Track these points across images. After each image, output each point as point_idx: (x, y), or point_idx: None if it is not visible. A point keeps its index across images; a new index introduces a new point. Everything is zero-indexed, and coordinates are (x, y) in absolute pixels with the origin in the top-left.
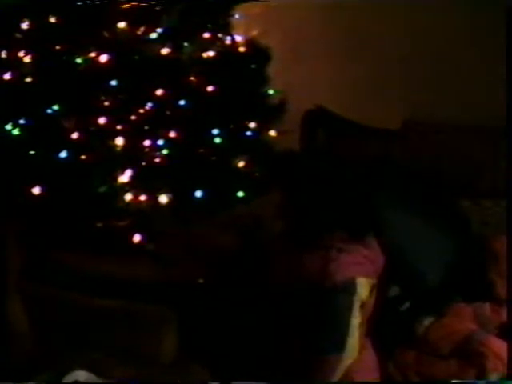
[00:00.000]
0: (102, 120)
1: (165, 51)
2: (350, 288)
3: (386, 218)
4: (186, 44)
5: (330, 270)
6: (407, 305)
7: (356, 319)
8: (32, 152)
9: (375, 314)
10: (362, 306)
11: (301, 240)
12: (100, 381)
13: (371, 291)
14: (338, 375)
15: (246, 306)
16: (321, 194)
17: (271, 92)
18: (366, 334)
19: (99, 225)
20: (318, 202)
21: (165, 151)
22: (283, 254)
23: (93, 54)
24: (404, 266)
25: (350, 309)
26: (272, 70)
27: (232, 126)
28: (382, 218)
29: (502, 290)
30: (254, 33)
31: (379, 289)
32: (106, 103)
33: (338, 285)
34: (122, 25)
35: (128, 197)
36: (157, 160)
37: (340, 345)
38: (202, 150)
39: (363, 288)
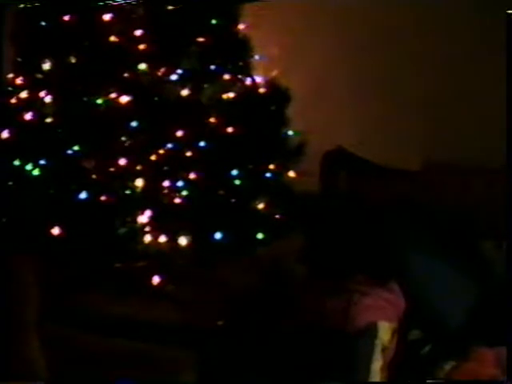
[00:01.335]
0: (122, 161)
1: (185, 92)
2: (371, 332)
3: (407, 262)
4: (206, 85)
5: (353, 313)
6: (427, 349)
7: (377, 363)
8: (52, 192)
9: (396, 358)
10: (384, 350)
11: (323, 283)
12: None
13: (392, 335)
14: None
15: (266, 348)
16: (343, 238)
17: (291, 133)
18: (388, 378)
19: (118, 266)
20: (341, 245)
21: (184, 192)
22: (305, 296)
23: (113, 95)
24: (426, 310)
25: (371, 353)
26: (292, 111)
27: (252, 168)
28: (404, 262)
29: None
30: (274, 74)
31: (400, 333)
32: (126, 144)
33: (360, 328)
34: (142, 66)
35: (147, 238)
36: (176, 201)
37: None
38: (221, 192)
39: (385, 332)
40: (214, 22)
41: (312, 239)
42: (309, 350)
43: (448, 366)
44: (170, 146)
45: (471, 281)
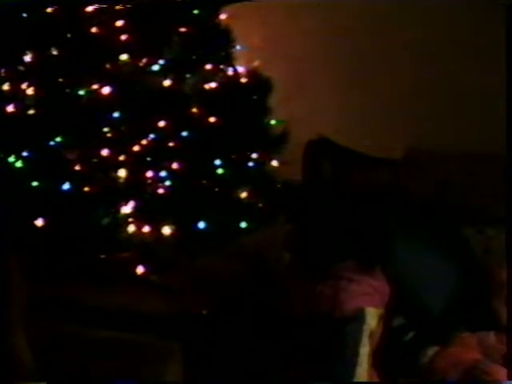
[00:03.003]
0: (104, 152)
1: (167, 83)
2: (359, 317)
3: (391, 249)
4: (188, 75)
5: (340, 299)
6: (411, 335)
7: (365, 348)
8: (35, 184)
9: (380, 344)
10: (371, 335)
11: (310, 271)
12: None
13: (379, 321)
14: None
15: (251, 336)
16: (331, 226)
17: (273, 122)
18: (372, 364)
19: (102, 256)
20: (329, 233)
21: (167, 182)
22: (293, 284)
23: (95, 86)
24: (409, 297)
25: (359, 338)
26: (274, 100)
27: (234, 157)
28: (388, 249)
29: (506, 318)
30: (256, 63)
31: (385, 319)
32: (109, 135)
33: (348, 314)
34: (123, 57)
35: (131, 228)
36: (160, 191)
37: (349, 374)
38: (204, 181)
39: (372, 317)
40: (195, 12)
41: (298, 227)
42: (296, 336)
43: (431, 352)
44: (152, 136)
45: (453, 267)
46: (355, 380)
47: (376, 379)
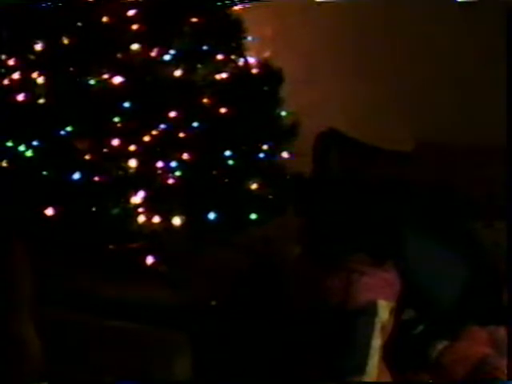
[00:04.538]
0: (115, 142)
1: (178, 73)
2: (371, 310)
3: (401, 242)
4: (199, 66)
5: (352, 292)
6: (421, 328)
7: (377, 341)
8: (45, 173)
9: (391, 337)
10: (382, 328)
11: (322, 263)
12: None
13: (390, 314)
14: None
15: (260, 327)
16: (343, 219)
17: (284, 114)
18: (383, 357)
19: (112, 247)
20: (341, 226)
21: (178, 173)
22: (303, 276)
23: (106, 76)
24: (419, 290)
25: (371, 330)
26: (285, 91)
27: (245, 148)
28: (399, 242)
29: None
30: (267, 54)
31: (396, 312)
32: (119, 125)
33: (360, 307)
34: (135, 47)
35: (141, 219)
36: (170, 182)
37: (361, 366)
38: (215, 172)
39: (384, 310)
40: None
41: (308, 220)
42: (307, 329)
43: (440, 346)
44: (163, 126)
45: (463, 260)
46: (367, 372)
47: (386, 372)
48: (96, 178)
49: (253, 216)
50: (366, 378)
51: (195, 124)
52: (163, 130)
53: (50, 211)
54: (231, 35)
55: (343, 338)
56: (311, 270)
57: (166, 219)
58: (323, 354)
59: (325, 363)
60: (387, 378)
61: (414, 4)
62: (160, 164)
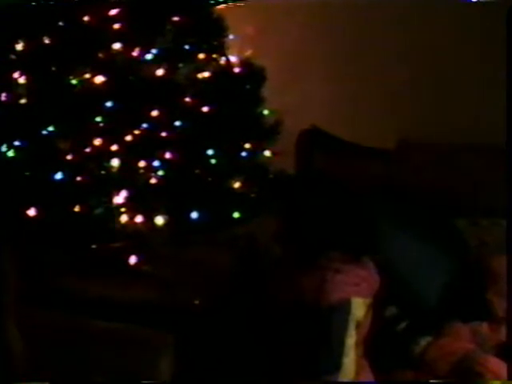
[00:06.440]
0: (97, 141)
1: (160, 72)
2: (345, 308)
3: (382, 238)
4: (181, 65)
5: (326, 290)
6: (404, 325)
7: (351, 339)
8: (27, 173)
9: (372, 334)
10: (358, 325)
11: (298, 261)
12: None
13: (367, 311)
14: None
15: (243, 327)
16: (317, 216)
17: (266, 112)
18: (363, 354)
19: (94, 246)
20: (315, 223)
21: (160, 172)
22: (280, 275)
23: (88, 75)
24: (401, 287)
25: (345, 328)
26: (267, 90)
27: (227, 147)
28: (379, 239)
29: (499, 309)
30: (248, 53)
31: (375, 309)
32: (101, 124)
33: (334, 305)
34: (116, 46)
35: (124, 218)
36: (152, 181)
37: (336, 364)
38: (197, 171)
39: (358, 308)
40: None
41: (287, 218)
42: (284, 327)
43: (424, 342)
44: (145, 125)
45: (446, 257)
46: (343, 370)
47: (367, 369)
48: (78, 178)
49: (236, 215)
50: (343, 376)
51: (177, 123)
52: (145, 129)
53: (32, 211)
54: (213, 34)
55: (318, 336)
56: (289, 269)
57: (149, 219)
58: (300, 352)
59: (302, 362)
60: (368, 375)
61: (402, 4)
62: (142, 163)
